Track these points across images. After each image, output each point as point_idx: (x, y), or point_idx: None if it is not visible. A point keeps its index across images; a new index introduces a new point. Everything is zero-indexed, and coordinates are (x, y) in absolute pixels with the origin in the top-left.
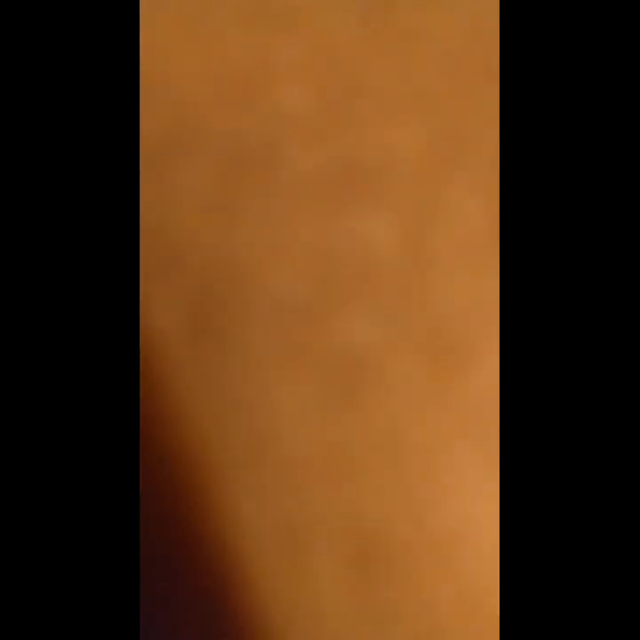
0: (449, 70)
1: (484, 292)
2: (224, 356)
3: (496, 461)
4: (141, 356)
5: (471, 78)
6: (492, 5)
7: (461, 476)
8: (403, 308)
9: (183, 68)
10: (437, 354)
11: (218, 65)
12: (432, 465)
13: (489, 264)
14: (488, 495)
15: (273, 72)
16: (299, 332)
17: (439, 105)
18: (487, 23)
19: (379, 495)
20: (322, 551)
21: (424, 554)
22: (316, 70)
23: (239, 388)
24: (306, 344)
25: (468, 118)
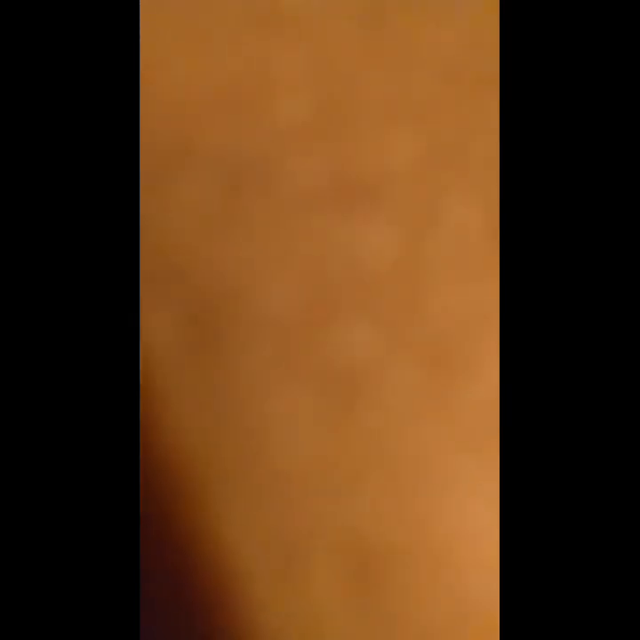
0: (448, 78)
1: (484, 302)
2: (222, 367)
3: (495, 471)
4: (141, 367)
5: (471, 86)
6: (491, 13)
7: (460, 486)
8: (401, 318)
9: (182, 81)
10: (436, 364)
11: (217, 78)
12: (430, 476)
13: (488, 273)
14: (487, 505)
15: (272, 83)
16: (297, 343)
17: (438, 113)
18: (486, 31)
19: (376, 506)
20: (319, 563)
21: (422, 565)
22: (315, 80)
23: (236, 399)
24: (304, 355)
25: (468, 126)
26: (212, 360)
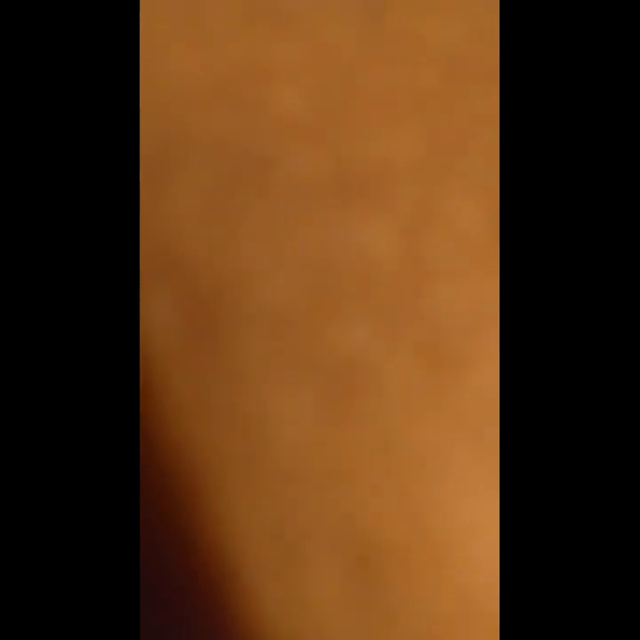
0: (448, 73)
1: (484, 298)
2: (221, 363)
3: (495, 466)
4: (141, 363)
5: (471, 81)
6: (491, 8)
7: (460, 482)
8: (401, 314)
9: (182, 75)
10: (436, 361)
11: (216, 71)
12: (430, 471)
13: (488, 269)
14: (487, 500)
15: (271, 77)
16: (296, 339)
17: (438, 108)
18: (487, 26)
19: (376, 502)
20: (319, 558)
21: (422, 559)
22: (315, 75)
23: (236, 395)
24: (303, 352)
25: (468, 122)
26: (212, 351)
